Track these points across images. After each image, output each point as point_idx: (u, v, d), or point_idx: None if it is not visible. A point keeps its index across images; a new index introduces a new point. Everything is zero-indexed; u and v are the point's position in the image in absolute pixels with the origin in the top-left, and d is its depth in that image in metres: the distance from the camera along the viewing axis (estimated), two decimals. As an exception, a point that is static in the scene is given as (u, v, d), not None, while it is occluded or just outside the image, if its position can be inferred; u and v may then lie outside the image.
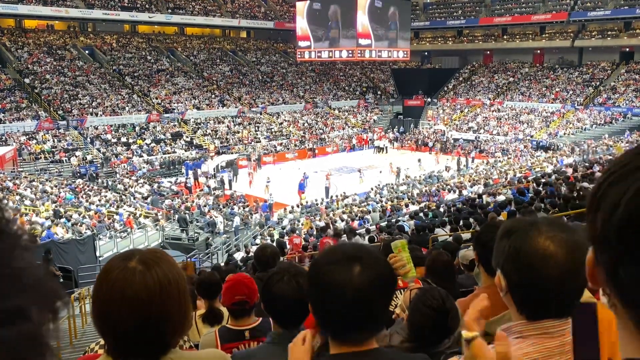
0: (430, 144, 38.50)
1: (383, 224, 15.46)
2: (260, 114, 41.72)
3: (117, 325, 1.11)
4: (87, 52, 41.80)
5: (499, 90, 45.71)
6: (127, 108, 36.48)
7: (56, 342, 0.55)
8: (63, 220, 17.72)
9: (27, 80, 35.73)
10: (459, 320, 2.27)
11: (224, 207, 22.23)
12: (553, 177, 15.26)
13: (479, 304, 0.97)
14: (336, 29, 41.05)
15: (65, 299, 0.56)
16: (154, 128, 35.65)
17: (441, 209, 15.68)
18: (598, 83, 41.86)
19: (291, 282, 2.03)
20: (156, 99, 38.82)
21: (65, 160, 30.12)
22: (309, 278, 1.28)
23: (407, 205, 19.33)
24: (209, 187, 26.89)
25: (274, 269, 2.19)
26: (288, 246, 14.26)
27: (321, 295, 1.23)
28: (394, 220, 16.14)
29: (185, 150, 33.98)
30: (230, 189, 27.44)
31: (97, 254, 15.99)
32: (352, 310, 1.21)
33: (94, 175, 28.52)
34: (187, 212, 20.86)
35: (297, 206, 22.68)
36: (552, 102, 41.55)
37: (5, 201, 17.78)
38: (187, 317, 1.21)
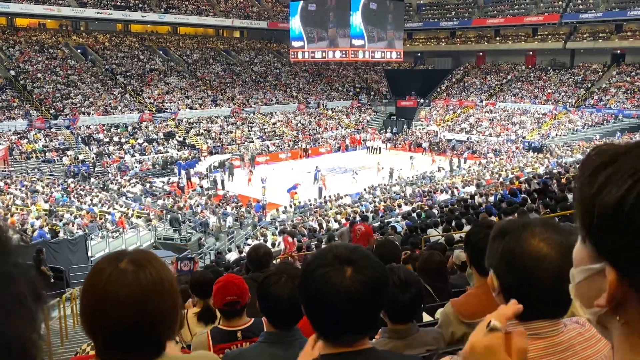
0: (425, 145, 38.59)
1: (376, 224, 15.45)
2: (254, 113, 41.66)
3: (112, 328, 1.10)
4: (79, 51, 41.55)
5: (491, 91, 45.91)
6: (119, 107, 36.32)
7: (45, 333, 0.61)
8: (53, 220, 17.60)
9: (15, 76, 35.45)
10: (421, 291, 2.27)
11: (216, 208, 22.18)
12: (540, 179, 15.33)
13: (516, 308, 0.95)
14: (330, 29, 41.05)
15: (46, 294, 0.63)
16: (146, 128, 35.52)
17: (434, 210, 15.70)
18: (589, 85, 42.15)
19: (288, 284, 2.03)
20: (149, 98, 38.68)
21: (57, 159, 29.94)
22: (300, 280, 1.28)
23: (400, 206, 19.35)
24: (201, 187, 26.82)
25: (270, 269, 2.19)
26: (282, 245, 14.29)
27: (313, 298, 1.23)
28: (386, 220, 16.17)
29: (178, 150, 33.86)
30: (223, 189, 27.37)
31: (89, 254, 15.89)
32: (344, 313, 1.20)
33: (86, 174, 28.36)
34: (180, 212, 20.78)
35: (290, 206, 22.67)
36: (544, 104, 41.80)
37: None
38: (179, 316, 1.20)
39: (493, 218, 9.05)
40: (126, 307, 1.09)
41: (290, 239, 13.99)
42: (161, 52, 45.92)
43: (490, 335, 0.83)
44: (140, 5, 44.47)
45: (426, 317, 3.26)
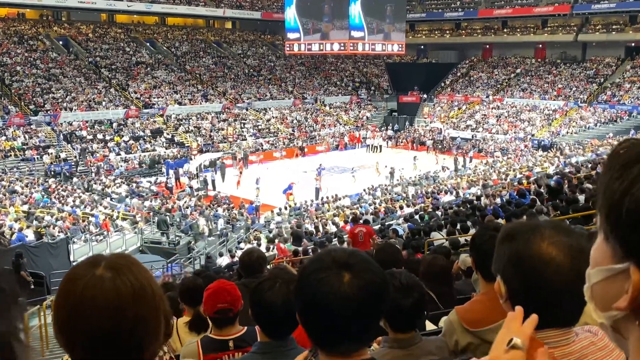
0: (428, 143, 38.65)
1: (376, 227, 15.47)
2: (247, 109, 41.65)
3: (88, 337, 1.09)
4: (61, 42, 41.47)
5: (498, 86, 46.01)
6: (103, 103, 36.25)
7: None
8: (35, 222, 17.56)
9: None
10: (423, 296, 2.28)
11: (206, 209, 22.18)
12: (555, 177, 15.38)
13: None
14: (328, 20, 41.07)
15: (25, 300, 0.65)
16: (132, 124, 35.47)
17: (437, 212, 15.73)
18: (602, 79, 42.27)
19: (283, 290, 2.02)
20: (135, 93, 38.62)
21: (37, 158, 29.86)
22: (295, 286, 1.28)
23: (401, 208, 19.38)
24: (191, 187, 26.82)
25: (264, 275, 2.19)
26: (275, 252, 14.29)
27: (309, 305, 1.22)
28: (387, 223, 16.18)
29: (166, 148, 33.82)
30: (214, 189, 27.37)
31: (71, 258, 15.84)
32: (341, 321, 1.20)
33: (68, 174, 28.30)
34: (168, 214, 20.76)
35: (285, 208, 22.67)
36: (554, 99, 41.90)
37: None
38: (167, 322, 1.19)
39: (500, 220, 9.07)
40: (103, 315, 1.08)
41: (282, 246, 14.00)
42: (148, 44, 45.83)
43: (512, 353, 0.83)
44: (126, -6, 44.44)
45: (429, 326, 3.27)
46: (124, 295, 1.10)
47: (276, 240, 15.86)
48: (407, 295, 2.20)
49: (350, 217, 15.96)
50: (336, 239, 13.93)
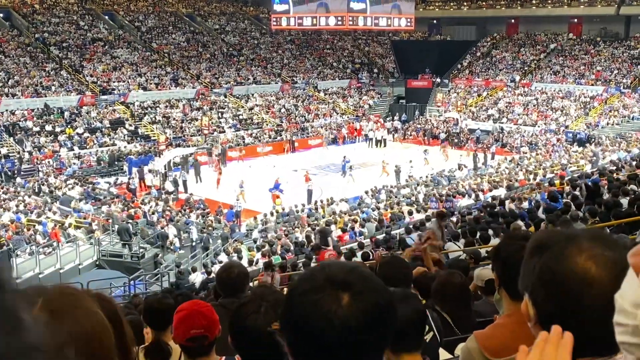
0: (443, 136, 38.68)
1: (380, 236, 15.49)
2: (225, 96, 41.59)
3: None
4: (1, 15, 41.27)
5: (526, 68, 46.14)
6: (53, 88, 36.11)
7: None
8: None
9: None
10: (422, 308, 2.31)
11: (176, 215, 22.18)
12: (593, 177, 15.47)
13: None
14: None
15: None
16: (87, 114, 35.34)
17: (453, 218, 15.81)
18: (649, 61, 42.48)
19: (269, 314, 2.02)
20: (91, 76, 38.49)
21: (-27, 154, 29.76)
22: (282, 311, 1.26)
23: (410, 213, 19.45)
24: (158, 189, 26.80)
25: (245, 294, 2.18)
26: (260, 266, 14.30)
27: (299, 333, 1.20)
28: (394, 231, 16.24)
29: (129, 143, 33.73)
30: (186, 191, 27.35)
31: (14, 274, 15.76)
32: (339, 353, 1.18)
33: (10, 173, 28.19)
34: (131, 221, 20.73)
35: (272, 214, 22.68)
36: (592, 84, 42.04)
37: None
38: None
39: (528, 228, 9.09)
40: None
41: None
42: (107, 17, 45.68)
43: None
44: (80, -42, 44.36)
45: (444, 354, 3.27)
46: (62, 349, 0.97)
47: (259, 254, 15.88)
48: (405, 303, 2.20)
49: (318, 233, 16.34)
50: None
